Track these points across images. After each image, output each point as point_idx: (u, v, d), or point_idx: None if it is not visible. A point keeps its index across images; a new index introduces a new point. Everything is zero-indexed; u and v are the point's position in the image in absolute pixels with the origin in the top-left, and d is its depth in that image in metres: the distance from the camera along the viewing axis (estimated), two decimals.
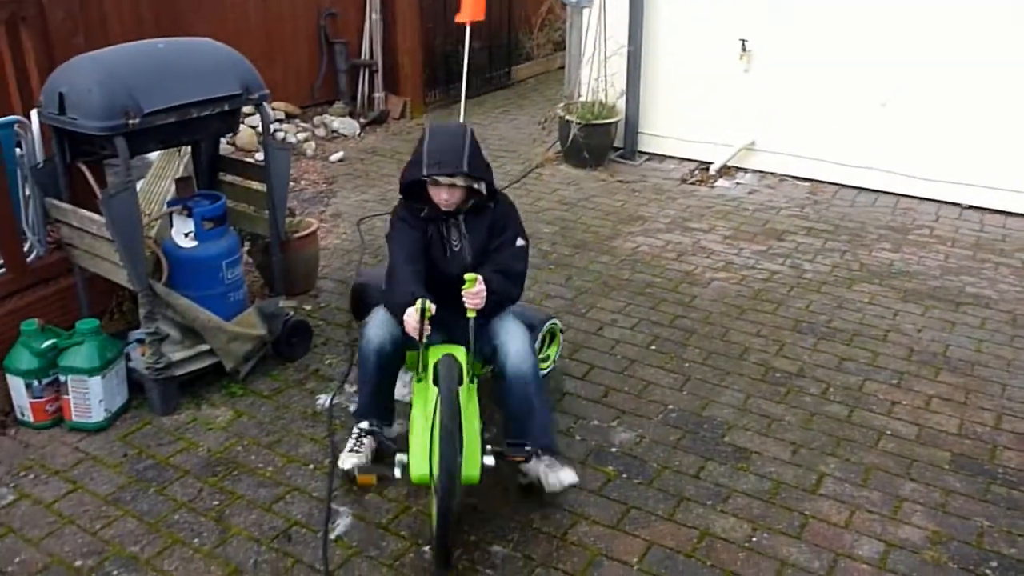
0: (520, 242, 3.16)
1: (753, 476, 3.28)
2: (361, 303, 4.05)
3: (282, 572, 2.76)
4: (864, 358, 4.17)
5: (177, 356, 3.58)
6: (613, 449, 3.42)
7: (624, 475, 3.26)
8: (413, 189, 3.07)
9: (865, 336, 4.37)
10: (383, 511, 3.03)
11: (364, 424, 3.21)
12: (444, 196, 2.99)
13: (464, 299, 2.89)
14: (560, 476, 2.96)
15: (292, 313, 4.12)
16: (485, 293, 2.90)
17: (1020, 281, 4.97)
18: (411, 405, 3.02)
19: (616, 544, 2.91)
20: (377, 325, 3.05)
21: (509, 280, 3.10)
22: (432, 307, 2.75)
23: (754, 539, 2.94)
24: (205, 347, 3.67)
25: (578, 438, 3.48)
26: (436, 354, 2.86)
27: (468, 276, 2.87)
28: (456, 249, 3.13)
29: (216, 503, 3.07)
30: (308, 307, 4.54)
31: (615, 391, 3.83)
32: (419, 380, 3.00)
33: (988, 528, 3.04)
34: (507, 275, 3.09)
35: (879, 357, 4.18)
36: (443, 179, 2.95)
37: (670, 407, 3.72)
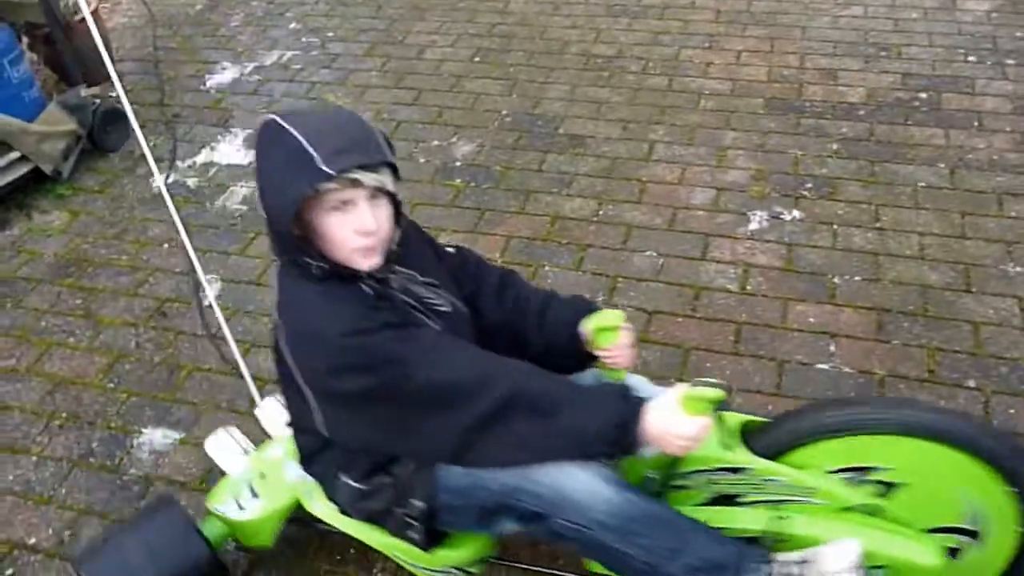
0: (451, 248, 1.82)
1: (591, 158, 3.46)
2: None
3: (166, 346, 2.82)
4: (676, 28, 4.31)
5: None
6: (457, 163, 3.51)
7: (472, 183, 3.38)
8: (289, 239, 1.46)
9: (674, 7, 4.49)
10: (250, 269, 3.08)
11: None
12: (367, 221, 1.44)
13: (612, 361, 1.67)
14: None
15: (99, 101, 3.86)
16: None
17: None
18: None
19: (477, 245, 3.08)
20: (599, 482, 1.48)
21: (528, 286, 1.82)
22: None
23: (601, 212, 3.17)
24: (16, 154, 3.44)
25: (422, 160, 3.54)
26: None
27: (604, 322, 1.63)
28: (448, 311, 1.63)
29: (79, 301, 3.04)
30: (114, 93, 4.25)
31: (448, 109, 3.86)
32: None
33: (801, 157, 3.36)
34: (522, 283, 1.82)
35: (690, 24, 4.32)
36: (366, 177, 1.41)
37: (504, 112, 3.80)
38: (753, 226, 3.04)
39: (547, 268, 2.93)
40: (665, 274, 2.85)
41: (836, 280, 2.77)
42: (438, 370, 1.46)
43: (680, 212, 3.14)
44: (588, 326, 1.64)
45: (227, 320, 2.87)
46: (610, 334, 1.62)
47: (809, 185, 3.21)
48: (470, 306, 1.71)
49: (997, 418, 2.26)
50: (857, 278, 2.77)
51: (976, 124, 3.43)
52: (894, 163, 3.27)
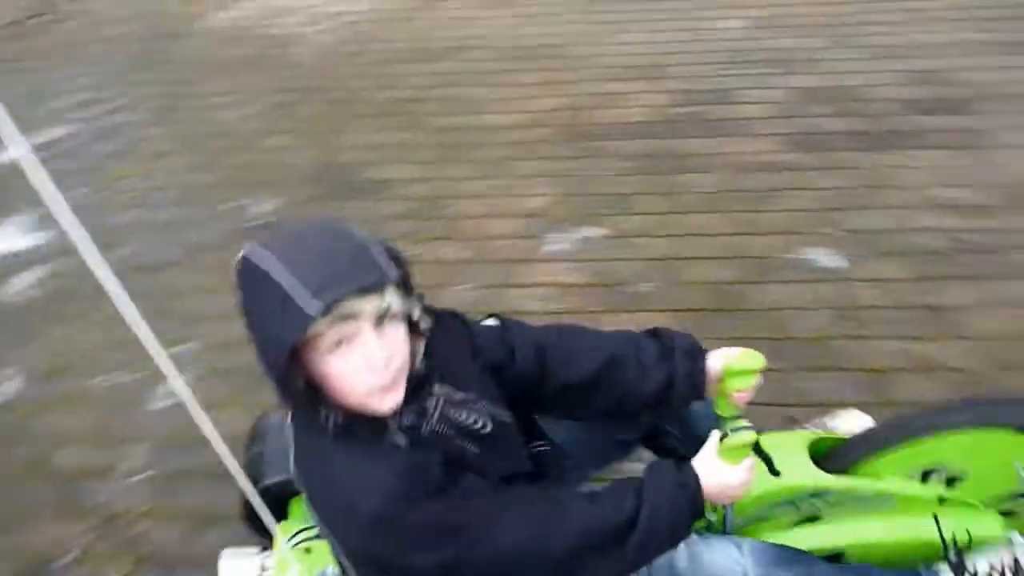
0: (492, 320, 1.61)
1: (397, 201, 3.49)
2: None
3: None
4: (467, 68, 4.44)
5: None
6: (258, 222, 3.44)
7: None
8: (292, 391, 1.23)
9: (463, 48, 4.63)
10: (46, 360, 2.88)
11: None
12: (374, 356, 1.20)
13: (743, 398, 1.53)
14: None
15: None
16: None
17: None
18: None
19: None
20: (750, 564, 1.51)
21: (577, 331, 1.63)
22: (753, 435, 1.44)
23: (412, 252, 3.19)
24: None
25: (220, 223, 3.43)
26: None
27: (744, 364, 1.49)
28: (489, 431, 1.41)
29: None
30: None
31: (245, 168, 3.80)
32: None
33: (597, 177, 3.53)
34: (587, 330, 1.63)
35: (479, 64, 4.47)
36: (363, 305, 1.17)
37: (304, 165, 3.77)
38: (560, 247, 3.15)
39: None
40: (480, 305, 2.90)
41: (642, 288, 2.91)
42: (501, 537, 1.27)
43: (489, 243, 3.21)
44: (719, 365, 1.51)
45: (36, 413, 2.68)
46: (747, 377, 1.50)
47: (607, 203, 3.37)
48: (536, 375, 1.53)
49: (802, 394, 2.43)
50: (661, 283, 2.92)
51: (746, 131, 3.72)
52: (681, 174, 3.49)
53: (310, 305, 1.12)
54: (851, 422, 2.02)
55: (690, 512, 1.36)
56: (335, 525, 1.28)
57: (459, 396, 1.37)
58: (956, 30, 4.38)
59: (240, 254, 1.21)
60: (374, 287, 1.16)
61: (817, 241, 3.03)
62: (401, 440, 1.26)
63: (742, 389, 1.50)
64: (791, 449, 1.63)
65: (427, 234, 3.28)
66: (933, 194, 3.22)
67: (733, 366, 1.49)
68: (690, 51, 4.44)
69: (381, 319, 1.19)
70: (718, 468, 1.37)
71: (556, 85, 4.21)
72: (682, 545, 1.43)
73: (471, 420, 1.38)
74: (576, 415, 1.59)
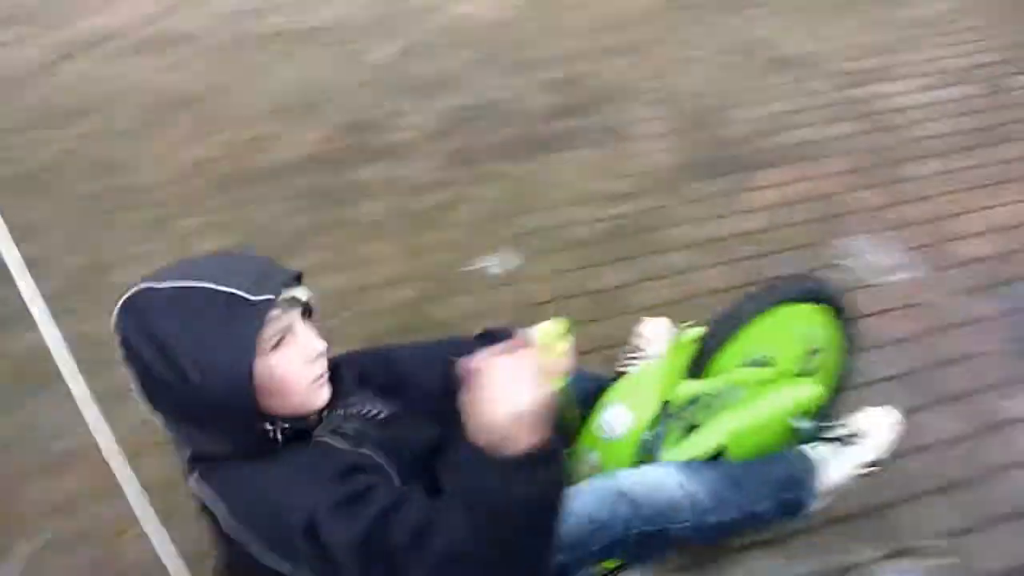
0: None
1: (48, 280, 3.11)
2: None
3: None
4: (108, 128, 4.16)
5: None
6: None
7: None
8: (246, 411, 1.20)
9: (100, 107, 4.33)
10: None
11: None
12: (315, 342, 1.30)
13: (566, 364, 1.54)
14: None
15: None
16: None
17: (219, 19, 5.26)
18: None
19: None
20: (679, 476, 1.63)
21: (410, 345, 1.77)
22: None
23: (80, 330, 2.88)
24: None
25: None
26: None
27: (554, 332, 1.52)
28: (384, 415, 1.46)
29: None
30: None
31: None
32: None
33: (266, 220, 3.42)
34: (407, 346, 1.75)
35: (121, 122, 4.19)
36: (299, 292, 1.29)
37: None
38: None
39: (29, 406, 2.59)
40: None
41: (327, 324, 2.81)
42: (387, 514, 1.13)
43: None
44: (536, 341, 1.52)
45: None
46: (557, 346, 1.53)
47: (280, 245, 3.26)
48: (394, 387, 1.55)
49: None
50: (346, 316, 2.87)
51: (408, 154, 3.80)
52: (351, 205, 3.47)
53: (259, 293, 1.16)
54: (655, 329, 2.30)
55: (512, 473, 1.08)
56: (307, 544, 1.13)
57: (353, 397, 1.44)
58: (580, 39, 4.80)
59: (130, 296, 1.19)
60: (295, 279, 1.26)
61: (490, 249, 3.14)
62: (339, 443, 1.30)
63: (556, 357, 1.53)
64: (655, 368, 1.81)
65: (88, 311, 2.97)
66: (586, 188, 3.47)
67: (549, 335, 1.54)
68: (342, 84, 4.46)
69: (308, 310, 1.30)
70: (495, 397, 1.10)
71: (207, 134, 4.03)
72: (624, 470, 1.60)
73: (371, 410, 1.44)
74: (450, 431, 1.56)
